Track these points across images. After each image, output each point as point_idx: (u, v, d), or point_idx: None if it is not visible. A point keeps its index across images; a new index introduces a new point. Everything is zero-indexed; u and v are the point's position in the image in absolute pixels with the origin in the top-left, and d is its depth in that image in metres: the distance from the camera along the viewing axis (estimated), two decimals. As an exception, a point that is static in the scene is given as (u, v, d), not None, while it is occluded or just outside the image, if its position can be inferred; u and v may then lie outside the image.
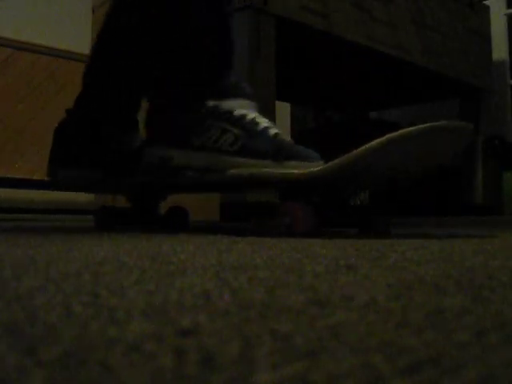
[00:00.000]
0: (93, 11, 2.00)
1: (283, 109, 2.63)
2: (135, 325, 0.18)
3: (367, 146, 0.63)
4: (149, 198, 1.04)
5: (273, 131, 0.79)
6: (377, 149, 0.62)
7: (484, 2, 1.98)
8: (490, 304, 0.22)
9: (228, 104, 0.83)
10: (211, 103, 0.84)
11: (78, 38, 2.49)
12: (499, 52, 2.40)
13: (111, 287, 0.26)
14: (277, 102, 1.27)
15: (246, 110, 0.83)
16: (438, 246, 0.51)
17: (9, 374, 0.13)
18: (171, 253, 0.45)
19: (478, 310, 0.21)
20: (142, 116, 0.99)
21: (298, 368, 0.13)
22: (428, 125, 0.60)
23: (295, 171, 0.69)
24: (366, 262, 0.37)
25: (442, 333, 0.17)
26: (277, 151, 0.76)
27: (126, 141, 0.98)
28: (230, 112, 0.82)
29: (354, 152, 0.64)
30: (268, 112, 1.19)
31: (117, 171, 0.95)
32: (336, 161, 0.65)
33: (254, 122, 0.81)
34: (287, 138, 0.81)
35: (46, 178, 1.02)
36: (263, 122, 0.81)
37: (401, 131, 0.61)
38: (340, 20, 1.38)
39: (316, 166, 0.70)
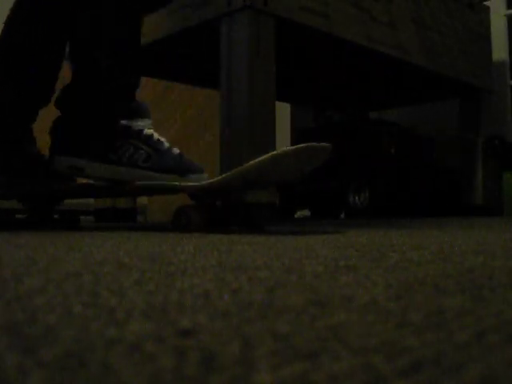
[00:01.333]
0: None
1: (283, 109, 2.63)
2: (135, 325, 0.18)
3: (257, 160, 0.76)
4: (46, 203, 1.13)
5: (175, 151, 0.97)
6: (265, 162, 0.76)
7: (484, 3, 1.98)
8: (490, 304, 0.22)
9: (138, 124, 0.97)
10: (124, 122, 0.97)
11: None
12: (499, 52, 2.40)
13: (111, 287, 0.26)
14: (277, 102, 1.27)
15: (151, 129, 0.98)
16: (438, 246, 0.51)
17: (9, 374, 0.13)
18: (171, 253, 0.45)
19: (478, 310, 0.21)
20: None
21: (298, 368, 0.13)
22: (302, 145, 0.76)
23: (202, 183, 0.84)
24: (366, 262, 0.37)
25: (442, 333, 0.17)
26: (180, 167, 0.94)
27: (27, 145, 1.04)
28: (140, 131, 0.96)
29: (246, 165, 0.78)
30: (268, 112, 1.19)
31: (22, 176, 1.00)
32: (232, 171, 0.79)
33: (159, 142, 0.97)
34: (185, 154, 0.99)
35: None
36: (165, 142, 0.98)
37: (282, 149, 0.76)
38: (340, 20, 1.38)
39: (205, 178, 0.93)
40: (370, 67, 1.76)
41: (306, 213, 2.49)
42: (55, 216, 1.12)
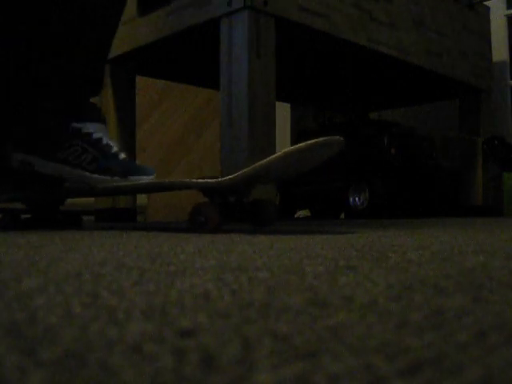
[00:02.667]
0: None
1: (283, 109, 2.63)
2: (135, 325, 0.18)
3: (269, 158, 0.78)
4: (46, 203, 1.15)
5: (122, 156, 1.03)
6: (277, 160, 0.77)
7: (484, 3, 1.98)
8: (490, 304, 0.22)
9: (88, 127, 1.02)
10: (75, 125, 1.02)
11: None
12: (499, 52, 2.40)
13: (111, 288, 0.26)
14: (277, 102, 1.27)
15: (101, 133, 1.03)
16: (438, 246, 0.51)
17: (9, 374, 0.13)
18: (171, 253, 0.45)
19: (478, 310, 0.21)
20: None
21: (298, 368, 0.13)
22: (314, 140, 0.76)
23: (221, 179, 0.84)
24: (366, 262, 0.37)
25: (442, 333, 0.17)
26: (124, 170, 1.00)
27: None
28: (90, 135, 1.01)
29: (259, 163, 0.79)
30: (268, 112, 1.19)
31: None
32: (245, 170, 0.81)
33: (107, 146, 1.02)
34: (131, 159, 1.03)
35: None
36: (114, 146, 1.03)
37: (296, 146, 0.77)
38: (340, 20, 1.38)
39: (149, 179, 0.99)
40: (370, 67, 1.76)
41: (306, 213, 2.49)
42: (58, 216, 1.13)
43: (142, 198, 2.26)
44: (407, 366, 0.14)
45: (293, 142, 2.59)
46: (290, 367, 0.14)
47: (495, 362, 0.14)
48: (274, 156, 0.79)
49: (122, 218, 1.67)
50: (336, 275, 0.30)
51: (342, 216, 2.25)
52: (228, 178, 0.83)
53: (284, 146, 2.46)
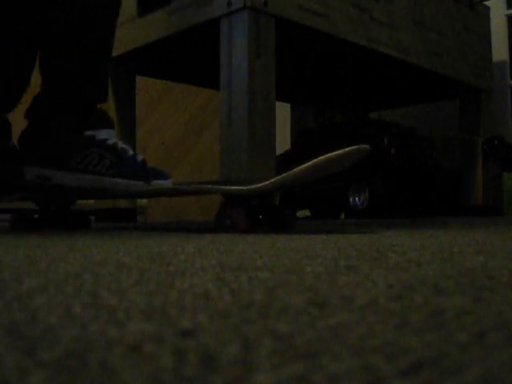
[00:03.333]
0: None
1: (283, 109, 2.63)
2: (135, 325, 0.18)
3: (300, 168, 0.80)
4: (55, 204, 1.16)
5: (139, 158, 1.03)
6: (308, 169, 0.79)
7: (484, 3, 1.98)
8: (491, 305, 0.22)
9: (101, 134, 1.02)
10: (88, 133, 1.01)
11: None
12: (499, 52, 2.40)
13: (111, 288, 0.26)
14: (277, 102, 1.27)
15: (115, 139, 1.04)
16: (438, 247, 0.51)
17: (9, 374, 0.13)
18: (171, 253, 0.45)
19: (478, 310, 0.21)
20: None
21: (298, 368, 0.13)
22: (346, 150, 0.79)
23: (251, 187, 0.85)
24: (366, 262, 0.37)
25: (443, 333, 0.17)
26: (144, 173, 1.00)
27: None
28: (104, 141, 1.01)
29: (291, 172, 0.81)
30: (268, 112, 1.19)
31: None
32: (277, 178, 0.83)
33: (123, 150, 1.02)
34: (148, 162, 1.03)
35: None
36: (129, 150, 1.04)
37: (326, 156, 0.78)
38: (340, 20, 1.38)
39: (170, 183, 1.01)
40: (370, 67, 1.76)
41: (306, 213, 2.49)
42: (68, 216, 1.14)
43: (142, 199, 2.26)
44: (407, 366, 0.14)
45: (293, 143, 2.59)
46: (290, 367, 0.14)
47: (495, 362, 0.14)
48: (304, 166, 0.80)
49: (122, 218, 1.67)
50: (336, 275, 0.30)
51: (342, 216, 2.25)
52: (259, 185, 0.84)
53: (284, 145, 2.46)
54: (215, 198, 1.54)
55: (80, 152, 1.01)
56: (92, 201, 1.71)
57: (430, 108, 2.49)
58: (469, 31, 1.88)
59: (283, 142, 2.54)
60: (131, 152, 1.04)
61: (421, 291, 0.25)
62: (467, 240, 0.62)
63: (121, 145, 1.03)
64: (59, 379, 0.13)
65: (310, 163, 0.79)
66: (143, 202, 2.37)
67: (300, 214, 2.51)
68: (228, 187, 0.87)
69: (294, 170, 0.81)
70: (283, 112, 2.66)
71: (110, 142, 1.02)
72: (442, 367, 0.13)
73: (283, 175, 0.82)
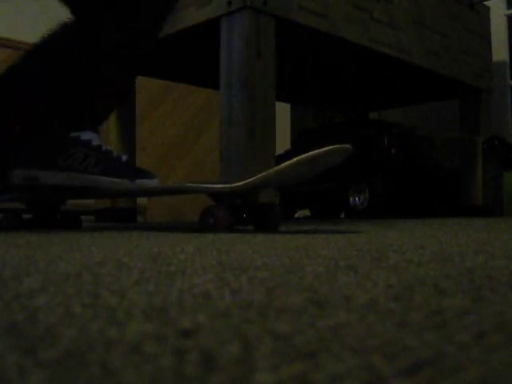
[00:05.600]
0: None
1: (283, 109, 2.63)
2: (135, 325, 0.18)
3: (282, 165, 0.80)
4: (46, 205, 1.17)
5: (124, 158, 1.06)
6: (289, 167, 0.80)
7: (484, 3, 1.98)
8: (490, 305, 0.22)
9: (86, 135, 1.04)
10: (73, 134, 1.04)
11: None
12: (499, 52, 2.40)
13: (111, 288, 0.26)
14: (277, 102, 1.27)
15: (100, 141, 1.05)
16: (438, 247, 0.51)
17: (9, 374, 0.13)
18: (171, 253, 0.45)
19: (478, 310, 0.21)
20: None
21: (297, 368, 0.13)
22: (325, 148, 0.80)
23: (233, 185, 0.86)
24: (366, 262, 0.37)
25: (442, 333, 0.17)
26: (129, 172, 1.03)
27: None
28: (89, 141, 1.03)
29: (272, 170, 0.82)
30: (268, 112, 1.19)
31: None
32: (258, 176, 0.83)
33: (107, 151, 1.05)
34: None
35: None
36: (114, 151, 1.07)
37: (306, 154, 0.79)
38: (340, 20, 1.38)
39: (155, 183, 1.04)
40: (370, 67, 1.76)
41: (306, 213, 2.49)
42: (58, 217, 1.14)
43: (141, 199, 2.26)
44: (407, 365, 0.14)
45: (293, 143, 2.59)
46: (290, 367, 0.14)
47: (495, 363, 0.14)
48: (286, 163, 0.81)
49: (121, 218, 1.67)
50: (336, 275, 0.30)
51: (342, 216, 2.25)
52: (240, 183, 0.85)
53: (284, 145, 2.46)
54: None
55: (65, 151, 1.03)
56: (92, 201, 1.71)
57: (429, 108, 2.49)
58: (469, 31, 1.88)
59: (283, 142, 2.54)
60: (115, 153, 1.07)
61: (421, 291, 0.25)
62: (467, 240, 0.62)
63: (105, 147, 1.07)
64: (59, 379, 0.13)
65: (292, 160, 0.80)
66: (143, 202, 2.37)
67: (300, 213, 2.51)
68: (211, 186, 0.88)
69: (275, 167, 0.82)
70: (283, 112, 2.66)
71: (95, 143, 1.05)
72: (441, 367, 0.13)
73: (264, 173, 0.83)
